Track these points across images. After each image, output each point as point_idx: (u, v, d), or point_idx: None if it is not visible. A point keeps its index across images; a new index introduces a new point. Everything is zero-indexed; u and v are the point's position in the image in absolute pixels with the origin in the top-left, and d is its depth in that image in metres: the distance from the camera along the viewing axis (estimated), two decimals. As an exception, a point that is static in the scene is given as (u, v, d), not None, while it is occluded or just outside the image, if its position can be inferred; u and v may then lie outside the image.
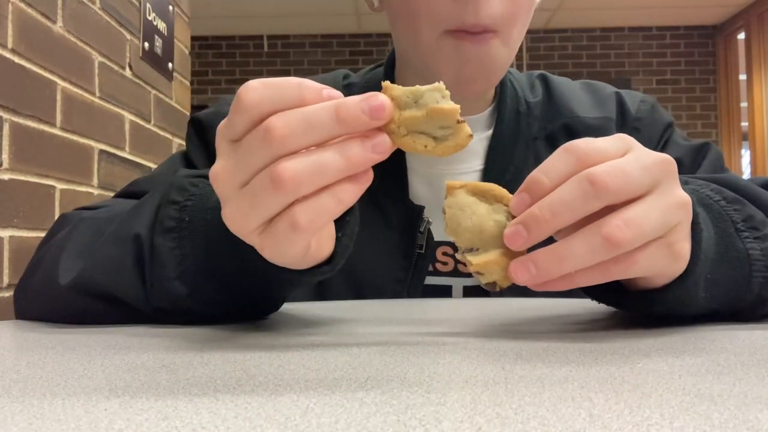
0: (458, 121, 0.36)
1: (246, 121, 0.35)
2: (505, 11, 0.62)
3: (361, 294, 0.68)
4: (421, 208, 0.68)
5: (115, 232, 0.51)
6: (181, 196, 0.48)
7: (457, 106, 0.36)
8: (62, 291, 0.51)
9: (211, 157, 0.74)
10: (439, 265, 0.70)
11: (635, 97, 0.78)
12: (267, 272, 0.43)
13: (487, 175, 0.71)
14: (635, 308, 0.46)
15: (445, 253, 0.70)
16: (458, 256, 0.41)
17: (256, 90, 0.35)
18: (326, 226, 0.40)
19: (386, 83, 0.36)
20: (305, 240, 0.37)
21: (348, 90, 0.76)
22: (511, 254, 0.39)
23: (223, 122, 0.38)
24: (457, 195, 0.39)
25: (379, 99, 0.34)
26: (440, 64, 0.65)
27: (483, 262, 0.39)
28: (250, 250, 0.41)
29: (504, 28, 0.63)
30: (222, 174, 0.37)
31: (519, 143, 0.72)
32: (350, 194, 0.35)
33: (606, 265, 0.38)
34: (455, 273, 0.70)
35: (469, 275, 0.70)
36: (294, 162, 0.34)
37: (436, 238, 0.69)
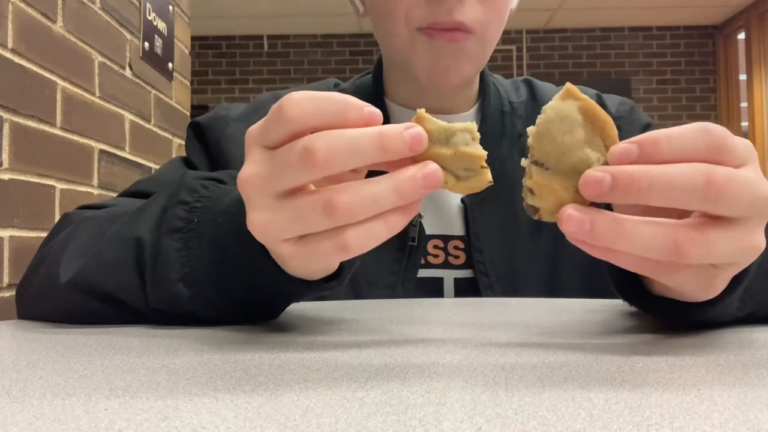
0: (482, 166, 0.36)
1: (286, 133, 0.35)
2: (481, 13, 0.65)
3: (356, 286, 0.69)
4: None
5: (117, 233, 0.51)
6: (191, 196, 0.48)
7: (484, 153, 0.36)
8: (62, 288, 0.51)
9: (211, 161, 0.74)
10: (430, 258, 0.72)
11: (615, 99, 0.81)
12: (275, 283, 0.43)
13: None
14: (669, 317, 0.44)
15: (435, 246, 0.72)
16: (524, 162, 0.36)
17: (300, 104, 0.35)
18: None
19: (421, 113, 0.36)
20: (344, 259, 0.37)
21: None
22: (575, 195, 0.35)
23: (256, 127, 0.38)
24: (567, 104, 0.34)
25: (418, 131, 0.35)
26: (416, 57, 0.68)
27: (543, 183, 0.35)
28: (261, 259, 0.42)
29: (478, 29, 0.66)
30: (253, 180, 0.37)
31: (504, 138, 0.75)
32: (400, 222, 0.36)
33: (649, 263, 0.35)
34: (446, 265, 0.72)
35: (459, 267, 0.71)
36: (348, 195, 0.34)
37: (428, 231, 0.72)
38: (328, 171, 0.34)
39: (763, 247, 0.36)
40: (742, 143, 0.36)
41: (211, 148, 0.75)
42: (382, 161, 0.35)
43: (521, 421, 0.22)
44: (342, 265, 0.44)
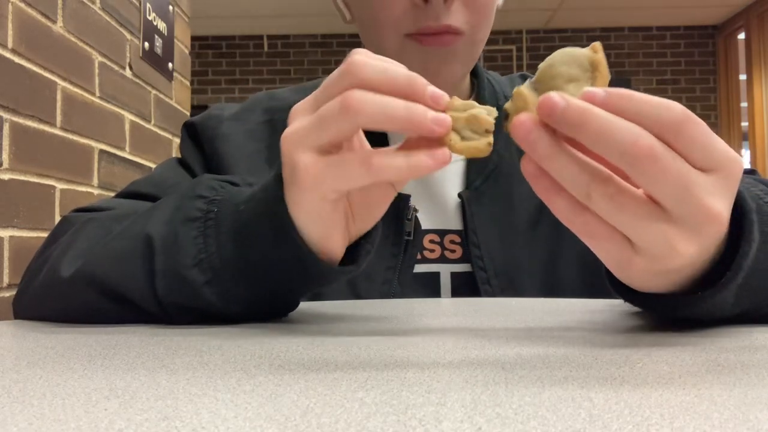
0: (486, 131, 0.39)
1: (345, 84, 0.40)
2: (468, 17, 0.66)
3: (353, 281, 0.69)
4: (407, 197, 0.70)
5: (126, 229, 0.51)
6: (209, 192, 0.49)
7: (492, 121, 0.39)
8: (64, 283, 0.51)
9: (205, 160, 0.74)
10: (426, 253, 0.71)
11: None
12: (297, 262, 0.45)
13: (471, 164, 0.73)
14: (662, 312, 0.44)
15: (431, 241, 0.72)
16: (487, 110, 0.40)
17: (369, 68, 0.40)
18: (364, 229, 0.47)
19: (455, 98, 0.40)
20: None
21: None
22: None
23: (303, 101, 0.43)
24: (585, 50, 0.38)
25: (442, 116, 0.39)
26: (405, 63, 0.67)
27: (524, 93, 0.38)
28: (286, 234, 0.44)
29: (467, 31, 0.67)
30: (298, 108, 0.42)
31: (500, 133, 0.74)
32: (403, 169, 0.39)
33: (576, 219, 0.37)
34: (442, 260, 0.72)
35: (456, 261, 0.71)
36: (365, 94, 0.39)
37: (423, 226, 0.71)
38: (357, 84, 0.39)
39: (687, 255, 0.37)
40: (719, 150, 0.36)
41: (206, 147, 0.75)
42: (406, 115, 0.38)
43: (521, 421, 0.22)
44: (359, 252, 0.47)
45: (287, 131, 0.42)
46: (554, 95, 0.34)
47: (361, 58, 0.40)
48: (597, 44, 0.38)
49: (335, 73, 0.41)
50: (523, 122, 0.35)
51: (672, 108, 0.35)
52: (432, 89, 0.39)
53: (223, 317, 0.49)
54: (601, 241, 0.37)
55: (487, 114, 0.39)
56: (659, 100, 0.35)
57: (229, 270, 0.46)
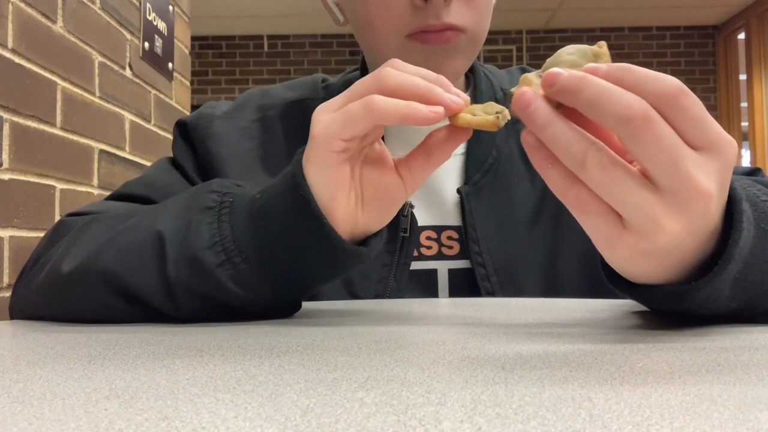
0: (497, 112, 0.43)
1: (369, 89, 0.45)
2: (468, 14, 0.66)
3: (348, 278, 0.69)
4: None
5: (133, 225, 0.51)
6: (222, 188, 0.51)
7: (505, 109, 0.42)
8: (64, 278, 0.50)
9: (198, 160, 0.74)
10: (423, 249, 0.71)
11: None
12: (314, 242, 0.47)
13: (470, 158, 0.73)
14: (658, 304, 0.45)
15: (428, 237, 0.71)
16: (530, 74, 0.41)
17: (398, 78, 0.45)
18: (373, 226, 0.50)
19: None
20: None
21: (326, 91, 0.79)
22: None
23: (328, 102, 0.47)
24: (591, 45, 0.41)
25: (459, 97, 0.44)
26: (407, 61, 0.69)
27: (530, 79, 0.40)
28: (304, 213, 0.46)
29: (469, 28, 0.67)
30: (323, 115, 0.46)
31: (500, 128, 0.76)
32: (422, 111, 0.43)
33: (568, 192, 0.38)
34: (440, 256, 0.71)
35: (453, 258, 0.71)
36: (383, 99, 0.44)
37: (420, 222, 0.71)
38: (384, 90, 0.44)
39: (672, 231, 0.37)
40: (713, 129, 0.36)
41: (197, 147, 0.74)
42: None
43: (521, 421, 0.22)
44: (371, 238, 0.50)
45: (317, 127, 0.46)
46: (557, 69, 0.37)
47: (389, 69, 0.45)
48: (602, 42, 0.40)
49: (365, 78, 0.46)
50: (523, 93, 0.37)
51: (669, 81, 0.36)
52: (450, 97, 0.43)
53: (231, 305, 0.49)
54: (592, 215, 0.38)
55: (498, 108, 0.43)
56: (657, 73, 0.36)
57: (243, 252, 0.47)
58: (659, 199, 0.36)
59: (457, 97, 0.44)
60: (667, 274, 0.41)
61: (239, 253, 0.47)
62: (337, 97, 0.46)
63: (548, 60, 0.41)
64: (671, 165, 0.35)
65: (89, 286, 0.50)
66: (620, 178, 0.36)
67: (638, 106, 0.35)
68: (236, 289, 0.48)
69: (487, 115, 0.43)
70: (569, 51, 0.41)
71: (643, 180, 0.36)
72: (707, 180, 0.36)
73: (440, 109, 0.43)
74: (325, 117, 0.46)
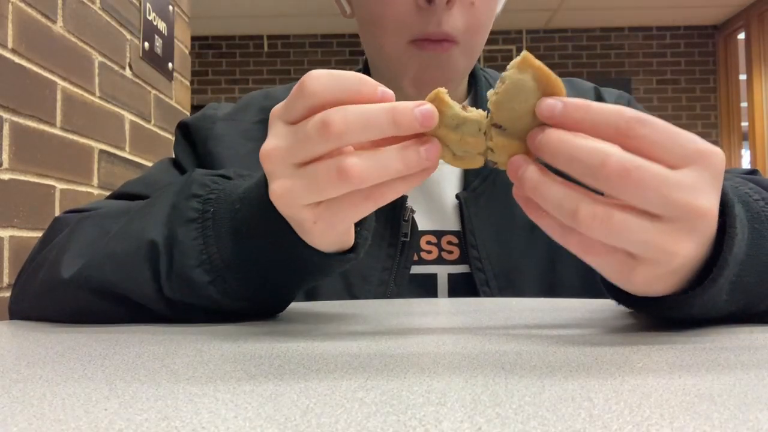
0: (479, 153, 0.40)
1: (306, 107, 0.39)
2: (467, 22, 0.67)
3: (348, 282, 0.69)
4: (404, 198, 0.70)
5: (123, 230, 0.51)
6: (203, 190, 0.49)
7: (486, 145, 0.39)
8: (64, 286, 0.51)
9: (198, 161, 0.74)
10: (423, 254, 0.71)
11: (612, 93, 0.82)
12: (298, 255, 0.45)
13: None
14: (657, 313, 0.44)
15: (428, 242, 0.72)
16: (485, 123, 0.39)
17: (320, 79, 0.38)
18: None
19: (441, 94, 0.38)
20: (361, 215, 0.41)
21: None
22: (526, 150, 0.39)
23: (279, 105, 0.41)
24: (524, 73, 0.38)
25: (428, 109, 0.37)
26: (401, 69, 0.70)
27: (502, 144, 0.39)
28: (281, 232, 0.44)
29: (465, 40, 0.68)
30: (275, 152, 0.40)
31: None
32: (402, 190, 0.39)
33: (570, 236, 0.38)
34: (440, 261, 0.71)
35: (453, 263, 0.71)
36: (361, 160, 0.37)
37: (420, 227, 0.71)
38: (342, 142, 0.37)
39: (685, 254, 0.37)
40: (687, 144, 0.36)
41: (199, 148, 0.75)
42: (394, 135, 0.38)
43: (521, 421, 0.22)
44: (357, 241, 0.47)
45: (267, 146, 0.40)
46: (519, 159, 0.38)
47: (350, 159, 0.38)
48: (527, 56, 0.38)
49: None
50: (514, 159, 0.38)
51: (623, 112, 0.36)
52: (420, 111, 0.37)
53: (228, 312, 0.50)
54: (599, 256, 0.38)
55: (477, 127, 0.39)
56: (612, 107, 0.36)
57: (231, 269, 0.47)
58: (664, 229, 0.36)
59: (428, 115, 0.37)
60: (673, 288, 0.41)
61: (228, 269, 0.47)
62: (293, 102, 0.40)
63: (492, 107, 0.38)
64: (663, 200, 0.35)
65: (88, 295, 0.50)
66: (619, 224, 0.35)
67: (612, 161, 0.35)
68: (229, 302, 0.49)
69: (466, 152, 0.39)
70: (519, 98, 0.37)
71: (644, 217, 0.36)
72: (704, 198, 0.36)
73: (432, 151, 0.38)
74: (280, 167, 0.40)
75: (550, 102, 0.37)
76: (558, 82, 0.37)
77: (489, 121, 0.39)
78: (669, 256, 0.37)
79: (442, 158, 0.39)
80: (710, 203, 0.36)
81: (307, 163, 0.39)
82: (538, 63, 0.37)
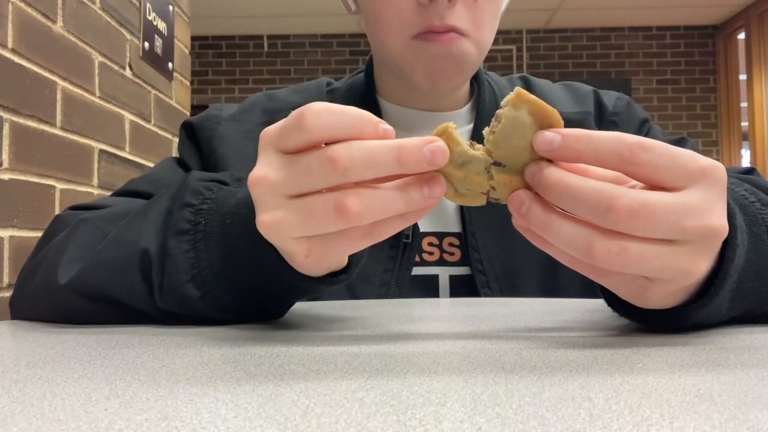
0: (482, 192, 0.39)
1: (304, 141, 0.37)
2: (471, 18, 0.66)
3: (350, 283, 0.69)
4: None
5: (119, 235, 0.51)
6: (196, 199, 0.49)
7: (488, 185, 0.38)
8: (61, 291, 0.51)
9: (203, 160, 0.74)
10: (425, 255, 0.71)
11: (611, 95, 0.82)
12: (284, 280, 0.44)
13: None
14: (659, 325, 0.43)
15: (430, 243, 0.72)
16: (484, 161, 0.38)
17: (320, 115, 0.36)
18: None
19: (449, 129, 0.37)
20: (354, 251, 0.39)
21: (331, 96, 0.80)
22: (527, 185, 0.38)
23: (272, 130, 0.39)
24: (519, 109, 0.37)
25: (439, 146, 0.36)
26: (412, 64, 0.69)
27: (504, 181, 0.38)
28: (269, 257, 0.43)
29: (472, 32, 0.67)
30: (267, 180, 0.38)
31: None
32: (401, 227, 0.38)
33: (580, 261, 0.38)
34: (441, 262, 0.71)
35: (454, 264, 0.71)
36: (362, 198, 0.36)
37: (422, 229, 0.71)
38: (346, 179, 0.36)
39: (702, 271, 0.37)
40: (688, 163, 0.36)
41: (203, 148, 0.75)
42: (400, 173, 0.36)
43: (521, 421, 0.22)
44: (350, 259, 0.45)
45: (257, 173, 0.38)
46: (521, 195, 0.37)
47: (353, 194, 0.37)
48: (520, 92, 0.37)
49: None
50: (515, 195, 0.38)
51: (623, 139, 0.36)
52: (430, 149, 0.36)
53: (221, 323, 0.50)
54: (612, 278, 0.38)
55: (483, 166, 0.38)
56: (611, 134, 0.36)
57: (221, 285, 0.47)
58: (681, 251, 0.36)
59: (439, 152, 0.36)
60: (681, 300, 0.41)
61: (219, 284, 0.47)
62: (289, 133, 0.37)
63: (490, 146, 0.38)
64: (676, 227, 0.35)
65: (84, 301, 0.51)
66: (636, 255, 0.35)
67: (619, 203, 0.34)
68: (221, 314, 0.49)
69: (469, 191, 0.39)
70: (516, 135, 0.37)
71: (658, 242, 0.35)
72: (715, 217, 0.36)
73: (436, 191, 0.37)
74: (270, 197, 0.38)
75: (547, 136, 0.36)
76: (554, 113, 0.37)
77: (488, 162, 0.38)
78: (686, 275, 0.37)
79: (444, 195, 0.39)
80: (721, 220, 0.36)
81: (301, 195, 0.37)
82: (532, 97, 0.37)
